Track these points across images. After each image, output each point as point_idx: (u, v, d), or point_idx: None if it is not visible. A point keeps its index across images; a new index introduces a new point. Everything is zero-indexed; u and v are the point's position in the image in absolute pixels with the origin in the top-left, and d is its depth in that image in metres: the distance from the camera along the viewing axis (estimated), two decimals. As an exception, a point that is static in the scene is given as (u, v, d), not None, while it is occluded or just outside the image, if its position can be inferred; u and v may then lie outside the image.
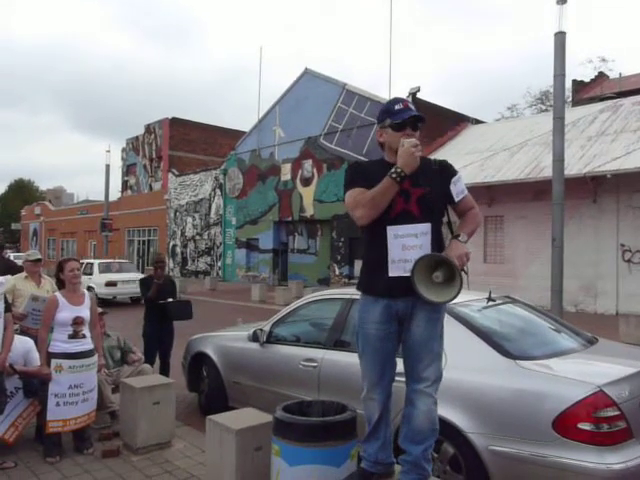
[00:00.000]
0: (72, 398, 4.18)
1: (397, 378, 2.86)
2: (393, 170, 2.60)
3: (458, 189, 2.78)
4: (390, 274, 2.68)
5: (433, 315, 2.74)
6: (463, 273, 2.58)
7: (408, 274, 2.60)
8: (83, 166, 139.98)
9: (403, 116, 2.71)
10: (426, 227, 2.67)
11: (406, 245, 2.65)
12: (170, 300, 6.13)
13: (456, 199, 2.77)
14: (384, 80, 24.00)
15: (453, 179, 2.77)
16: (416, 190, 2.69)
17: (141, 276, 13.20)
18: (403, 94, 19.73)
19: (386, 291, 2.72)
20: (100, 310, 5.08)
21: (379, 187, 2.62)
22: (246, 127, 26.90)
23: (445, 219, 2.84)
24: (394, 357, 2.83)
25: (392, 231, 2.68)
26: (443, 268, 2.57)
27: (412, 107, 2.76)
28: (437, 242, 2.72)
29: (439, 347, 2.78)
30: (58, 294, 4.37)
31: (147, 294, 6.14)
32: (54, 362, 4.14)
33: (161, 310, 6.05)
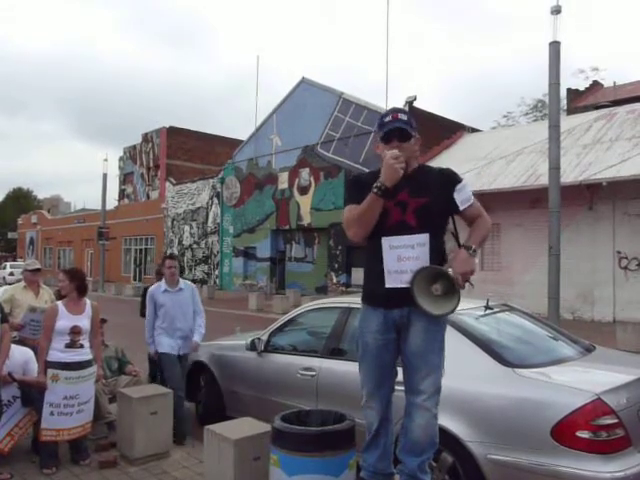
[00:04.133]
0: (66, 409, 4.15)
1: (397, 387, 2.85)
2: (374, 184, 2.60)
3: (463, 197, 2.68)
4: (387, 285, 2.68)
5: (431, 326, 2.70)
6: (469, 285, 2.57)
7: (404, 285, 2.60)
8: (84, 174, 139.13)
9: (385, 129, 2.71)
10: (423, 238, 2.64)
11: (402, 256, 2.64)
12: None
13: (461, 207, 2.68)
14: (386, 88, 24.07)
15: (457, 187, 2.70)
16: (414, 201, 2.66)
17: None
18: (400, 102, 19.84)
19: (383, 301, 2.72)
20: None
21: (364, 204, 2.63)
22: (245, 135, 26.97)
23: (451, 228, 2.78)
24: (393, 367, 2.83)
25: (387, 242, 2.67)
26: (442, 280, 2.56)
27: (401, 117, 2.72)
28: (438, 253, 2.69)
29: (438, 359, 2.73)
30: (59, 303, 4.36)
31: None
32: (50, 371, 4.13)
33: None
